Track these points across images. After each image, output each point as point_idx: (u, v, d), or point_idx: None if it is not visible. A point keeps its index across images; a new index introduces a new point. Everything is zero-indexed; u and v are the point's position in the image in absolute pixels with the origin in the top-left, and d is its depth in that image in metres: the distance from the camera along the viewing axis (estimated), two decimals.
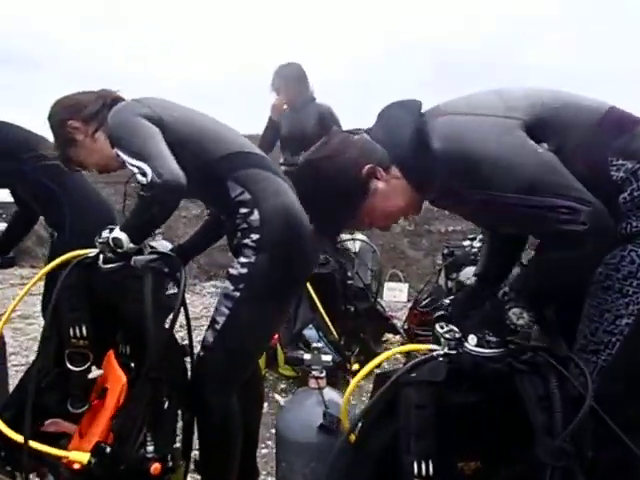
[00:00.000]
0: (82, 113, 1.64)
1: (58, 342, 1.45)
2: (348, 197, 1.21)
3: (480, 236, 3.26)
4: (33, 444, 1.32)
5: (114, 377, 1.43)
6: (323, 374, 1.39)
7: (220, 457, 1.54)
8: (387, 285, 4.56)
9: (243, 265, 1.47)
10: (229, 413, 1.56)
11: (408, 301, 4.39)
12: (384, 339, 3.40)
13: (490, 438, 1.14)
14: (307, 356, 1.39)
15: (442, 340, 1.22)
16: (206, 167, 1.50)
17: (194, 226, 5.72)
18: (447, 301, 1.48)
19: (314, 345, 1.40)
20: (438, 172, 1.12)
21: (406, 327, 3.50)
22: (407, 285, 4.52)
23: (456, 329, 1.23)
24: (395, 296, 4.53)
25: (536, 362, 1.11)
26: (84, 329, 1.43)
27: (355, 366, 2.96)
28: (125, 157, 1.44)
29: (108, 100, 1.64)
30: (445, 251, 3.31)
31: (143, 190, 1.40)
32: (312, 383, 1.38)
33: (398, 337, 3.53)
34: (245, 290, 1.45)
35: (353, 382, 1.28)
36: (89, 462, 1.30)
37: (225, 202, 1.52)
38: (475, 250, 3.16)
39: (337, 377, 2.84)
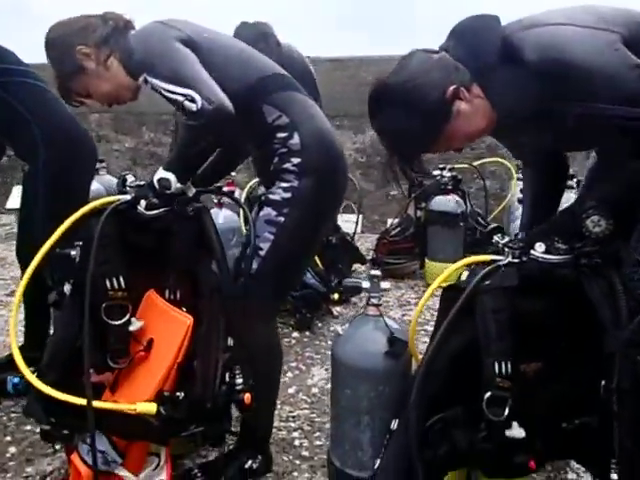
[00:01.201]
0: (92, 37, 1.47)
1: (91, 295, 1.34)
2: (432, 121, 1.17)
3: (449, 166, 3.34)
4: (96, 403, 1.25)
5: (169, 322, 1.37)
6: (381, 301, 1.39)
7: (267, 384, 1.55)
8: (341, 217, 4.59)
9: (286, 190, 1.43)
10: (272, 339, 1.56)
11: (362, 232, 4.46)
12: (352, 269, 3.46)
13: (554, 341, 1.20)
14: (365, 284, 1.38)
15: (505, 249, 1.24)
16: (241, 91, 1.42)
17: (127, 160, 5.45)
18: None
19: (372, 273, 1.39)
20: (532, 86, 1.10)
21: (374, 256, 3.57)
22: (361, 216, 4.57)
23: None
24: (350, 227, 4.58)
25: (603, 265, 1.15)
26: (121, 280, 1.35)
27: (335, 296, 3.01)
28: (163, 85, 1.34)
29: (120, 23, 1.50)
30: (415, 181, 3.35)
31: (192, 118, 1.31)
32: (371, 310, 1.38)
33: (364, 267, 3.60)
34: (289, 214, 1.43)
35: (422, 301, 1.30)
36: (158, 412, 1.25)
37: (260, 127, 1.46)
38: (445, 180, 3.23)
39: (320, 307, 2.90)
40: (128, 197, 1.40)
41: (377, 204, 4.75)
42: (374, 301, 1.38)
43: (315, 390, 2.16)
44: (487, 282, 1.20)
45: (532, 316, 1.18)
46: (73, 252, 1.59)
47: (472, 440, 1.13)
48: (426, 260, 3.29)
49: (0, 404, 2.04)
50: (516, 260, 1.21)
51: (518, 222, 2.59)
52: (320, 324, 2.83)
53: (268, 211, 1.46)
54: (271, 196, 1.47)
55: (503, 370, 1.12)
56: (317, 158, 1.45)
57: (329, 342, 2.62)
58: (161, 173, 1.37)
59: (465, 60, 1.17)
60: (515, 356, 1.14)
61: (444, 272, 1.30)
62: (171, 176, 1.36)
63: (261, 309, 1.46)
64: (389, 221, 3.97)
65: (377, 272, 1.39)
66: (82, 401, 1.24)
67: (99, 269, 1.35)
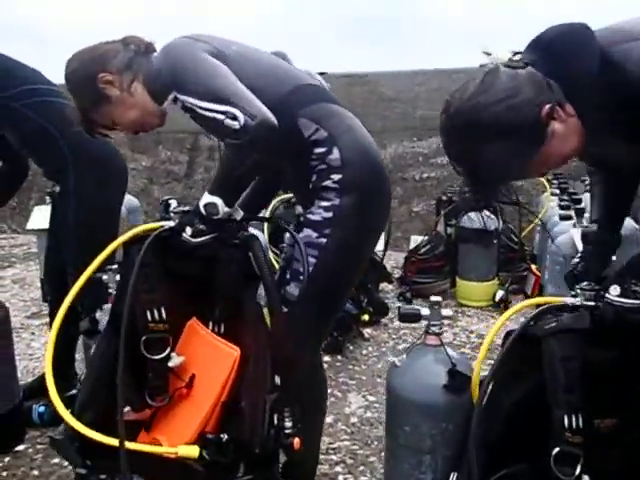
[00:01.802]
0: (114, 63, 1.39)
1: (130, 328, 1.25)
2: (526, 146, 1.05)
3: None
4: (132, 445, 1.16)
5: (214, 354, 1.27)
6: (442, 330, 1.29)
7: (314, 422, 1.45)
8: None
9: (327, 209, 1.33)
10: (316, 370, 1.46)
11: (384, 250, 4.37)
12: (379, 288, 3.36)
13: (630, 394, 1.11)
14: (425, 311, 1.28)
15: (578, 292, 1.17)
16: (275, 104, 1.30)
17: (143, 179, 5.41)
18: (576, 259, 1.41)
19: (433, 299, 1.29)
20: (632, 102, 1.00)
21: (402, 275, 3.47)
22: (383, 234, 4.47)
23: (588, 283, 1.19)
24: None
25: None
26: (163, 311, 1.26)
27: (365, 317, 2.91)
28: (198, 102, 1.26)
29: (142, 47, 1.42)
30: (444, 197, 3.26)
31: (235, 137, 1.23)
32: (431, 340, 1.28)
33: (391, 286, 3.50)
34: (332, 235, 1.32)
35: (491, 333, 1.22)
36: (201, 456, 1.16)
37: (296, 143, 1.36)
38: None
39: (351, 329, 2.79)
40: (172, 224, 1.33)
41: (400, 221, 4.65)
42: (434, 329, 1.28)
43: (354, 419, 2.06)
44: (554, 324, 1.12)
45: (605, 365, 1.10)
46: (105, 276, 1.53)
47: None
48: (457, 279, 3.19)
49: (25, 435, 1.94)
50: (589, 303, 1.13)
51: (560, 238, 2.52)
52: (351, 347, 2.72)
53: (308, 233, 1.36)
54: (311, 217, 1.37)
55: (574, 424, 1.04)
56: (360, 174, 1.35)
57: (362, 366, 2.52)
58: (207, 198, 1.28)
59: (557, 76, 1.05)
60: (587, 409, 1.06)
61: (513, 308, 1.24)
62: (218, 200, 1.27)
63: (306, 338, 1.36)
64: (412, 238, 3.88)
65: (438, 298, 1.29)
66: (116, 442, 1.14)
67: (139, 299, 1.27)
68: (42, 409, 2.00)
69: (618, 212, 1.40)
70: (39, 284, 3.31)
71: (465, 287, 3.04)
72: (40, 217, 3.05)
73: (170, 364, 1.29)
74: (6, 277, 3.89)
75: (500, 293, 3.01)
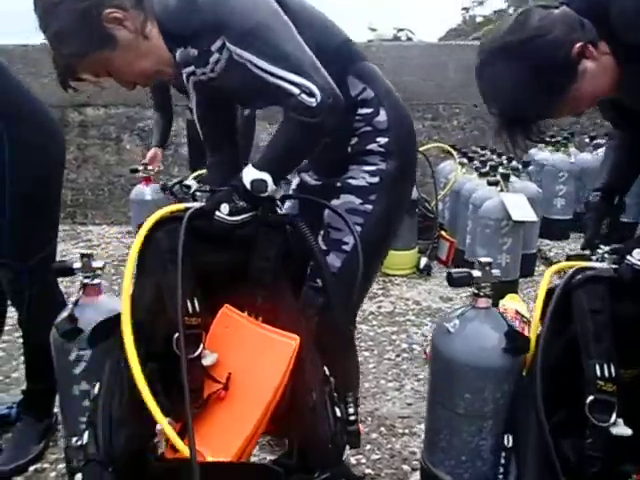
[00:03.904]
0: None
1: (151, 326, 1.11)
2: (557, 83, 1.07)
3: None
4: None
5: (263, 346, 1.13)
6: (491, 292, 1.26)
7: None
8: None
9: (372, 173, 1.26)
10: (354, 344, 1.37)
11: None
12: None
13: None
14: (476, 273, 1.23)
15: (605, 256, 1.22)
16: (327, 59, 1.18)
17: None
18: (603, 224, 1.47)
19: (482, 260, 1.25)
20: None
21: None
22: None
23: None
24: None
25: None
26: (196, 303, 1.10)
27: None
28: (268, 66, 1.10)
29: None
30: None
31: (307, 115, 1.10)
32: (482, 303, 1.25)
33: None
34: (377, 202, 1.26)
35: (540, 298, 1.21)
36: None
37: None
38: None
39: None
40: (198, 204, 1.16)
41: None
42: (485, 292, 1.24)
43: None
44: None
45: (628, 319, 1.14)
46: (77, 264, 1.29)
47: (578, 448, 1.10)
48: None
49: None
50: (613, 266, 1.18)
51: (488, 203, 2.63)
52: None
53: (350, 199, 1.27)
54: (351, 181, 1.27)
55: (605, 372, 1.08)
56: (405, 137, 1.30)
57: None
58: (255, 173, 1.12)
59: (591, 14, 1.07)
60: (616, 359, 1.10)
61: (548, 271, 1.26)
62: (268, 177, 1.12)
63: (342, 308, 1.25)
64: None
65: (489, 259, 1.25)
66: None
67: (170, 292, 1.07)
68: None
69: (630, 179, 1.47)
70: None
71: (391, 256, 3.07)
72: None
73: (204, 362, 1.12)
74: None
75: (424, 260, 3.11)
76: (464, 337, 1.24)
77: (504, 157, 3.36)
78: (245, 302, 1.20)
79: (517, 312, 2.31)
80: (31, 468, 1.56)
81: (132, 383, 1.01)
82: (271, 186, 1.14)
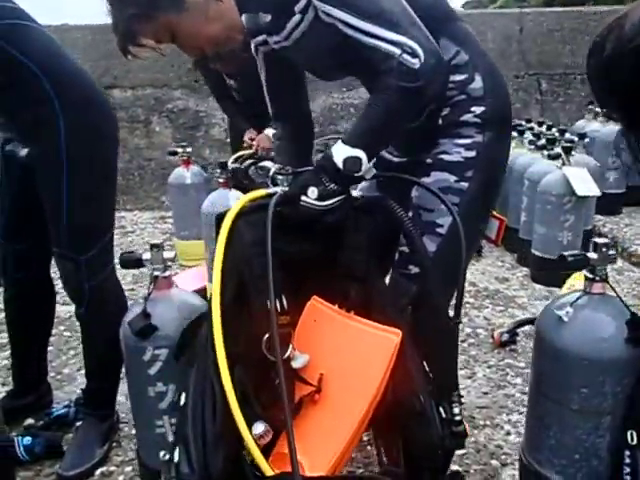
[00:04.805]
0: None
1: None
2: None
3: None
4: None
5: (355, 345, 1.03)
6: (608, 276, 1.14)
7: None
8: None
9: (468, 147, 1.14)
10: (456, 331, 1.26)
11: None
12: None
13: None
14: (592, 255, 1.12)
15: None
16: (418, 18, 1.05)
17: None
18: None
19: (599, 241, 1.13)
20: None
21: None
22: None
23: None
24: None
25: None
26: (284, 299, 1.02)
27: None
28: (364, 25, 0.99)
29: None
30: None
31: (408, 79, 0.98)
32: (597, 288, 1.13)
33: None
34: (475, 178, 1.14)
35: None
36: None
37: None
38: None
39: None
40: (281, 189, 1.07)
41: None
42: (602, 275, 1.12)
43: None
44: None
45: None
46: (147, 255, 1.19)
47: None
48: None
49: None
50: None
51: (548, 178, 2.45)
52: None
53: (444, 176, 1.15)
54: (444, 157, 1.15)
55: None
56: (502, 105, 1.17)
57: None
58: (347, 150, 1.01)
59: None
60: None
61: None
62: (362, 155, 1.01)
63: (440, 290, 1.13)
64: None
65: (606, 240, 1.13)
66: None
67: (258, 287, 0.98)
68: (28, 441, 1.55)
69: None
70: None
71: None
72: None
73: (295, 365, 1.02)
74: None
75: None
76: (580, 326, 1.12)
77: (554, 129, 3.19)
78: (336, 295, 1.10)
79: None
80: (97, 472, 1.48)
81: (224, 396, 0.91)
82: (365, 164, 1.03)
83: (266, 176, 1.16)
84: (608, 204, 3.32)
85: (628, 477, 1.06)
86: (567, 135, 2.97)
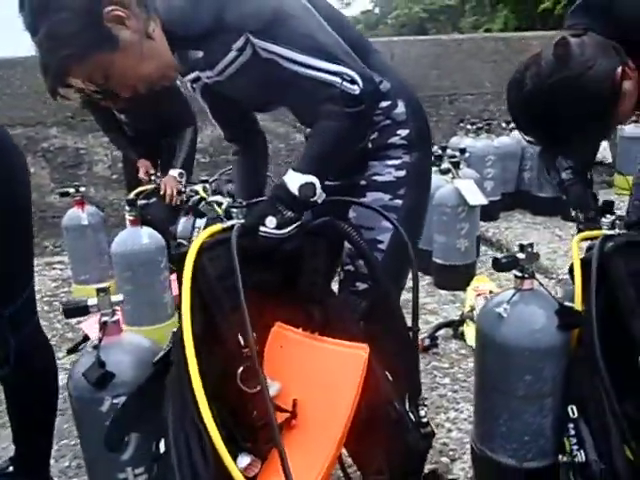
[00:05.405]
0: None
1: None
2: (607, 111, 1.15)
3: None
4: None
5: (324, 365, 1.07)
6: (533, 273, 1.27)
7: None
8: None
9: (398, 167, 1.23)
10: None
11: None
12: None
13: None
14: (521, 255, 1.24)
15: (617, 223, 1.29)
16: None
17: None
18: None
19: (524, 242, 1.26)
20: None
21: None
22: None
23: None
24: None
25: None
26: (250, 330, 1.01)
27: None
28: (302, 58, 1.04)
29: None
30: None
31: (351, 104, 1.05)
32: (527, 284, 1.26)
33: None
34: (407, 195, 1.23)
35: (577, 269, 1.24)
36: None
37: None
38: None
39: None
40: (235, 222, 1.08)
41: None
42: (529, 273, 1.26)
43: None
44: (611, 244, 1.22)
45: None
46: (92, 300, 1.15)
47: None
48: None
49: None
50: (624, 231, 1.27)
51: (442, 190, 2.67)
52: None
53: (379, 196, 1.23)
54: (377, 178, 1.23)
55: None
56: (424, 127, 1.28)
57: None
58: (301, 177, 1.05)
59: (619, 36, 1.14)
60: None
61: (574, 243, 1.32)
62: (315, 180, 1.06)
63: (402, 312, 1.21)
64: None
65: (530, 241, 1.27)
66: None
67: (228, 321, 1.00)
68: None
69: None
70: None
71: None
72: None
73: (270, 393, 1.03)
74: None
75: None
76: (517, 320, 1.24)
77: (436, 146, 3.46)
78: (299, 319, 1.13)
79: (491, 292, 2.40)
80: None
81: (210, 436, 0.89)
82: (319, 189, 1.07)
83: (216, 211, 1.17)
84: (489, 211, 3.65)
85: (575, 446, 1.18)
86: (449, 151, 3.24)
